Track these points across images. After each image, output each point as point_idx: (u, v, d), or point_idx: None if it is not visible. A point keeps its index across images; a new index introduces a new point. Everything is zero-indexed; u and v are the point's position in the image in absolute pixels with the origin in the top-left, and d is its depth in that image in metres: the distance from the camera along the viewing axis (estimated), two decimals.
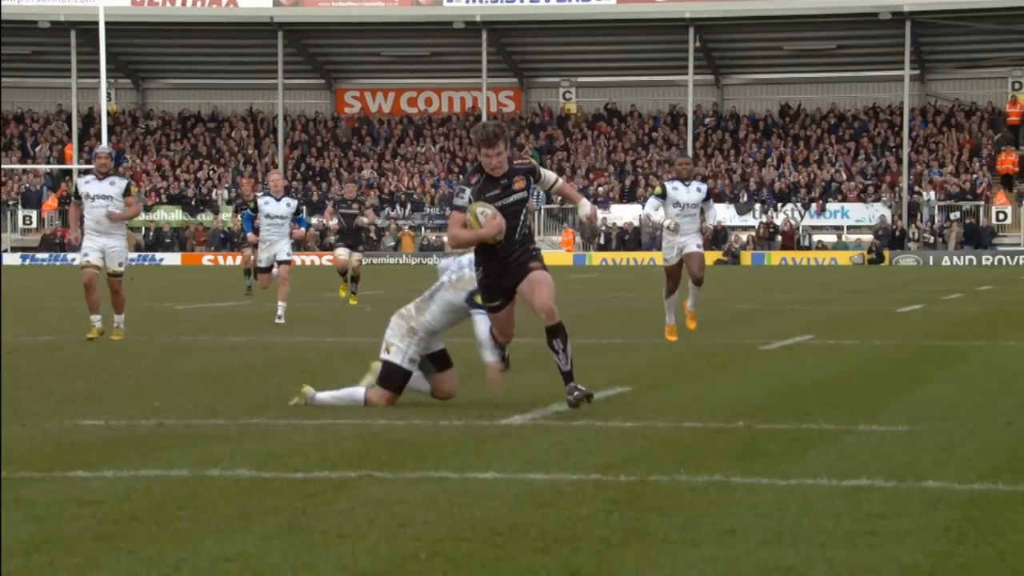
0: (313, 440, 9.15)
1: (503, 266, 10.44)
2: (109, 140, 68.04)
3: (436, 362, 10.96)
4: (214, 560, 5.76)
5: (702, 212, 18.27)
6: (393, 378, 10.83)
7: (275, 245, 22.26)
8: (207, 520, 6.59)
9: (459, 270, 10.88)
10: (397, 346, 10.82)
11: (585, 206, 10.82)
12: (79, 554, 5.88)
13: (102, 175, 18.14)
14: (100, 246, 17.97)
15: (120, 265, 18.14)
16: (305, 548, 6.01)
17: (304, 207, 23.35)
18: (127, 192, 18.18)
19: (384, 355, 10.88)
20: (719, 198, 65.93)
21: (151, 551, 5.93)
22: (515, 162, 10.55)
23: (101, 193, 17.99)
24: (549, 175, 10.79)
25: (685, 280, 18.12)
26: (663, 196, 18.02)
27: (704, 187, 18.37)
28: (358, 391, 10.88)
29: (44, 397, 11.61)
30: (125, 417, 10.35)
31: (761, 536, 6.26)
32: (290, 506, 6.92)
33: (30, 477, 7.72)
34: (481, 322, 10.79)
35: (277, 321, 21.10)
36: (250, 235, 23.69)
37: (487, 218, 10.28)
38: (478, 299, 10.71)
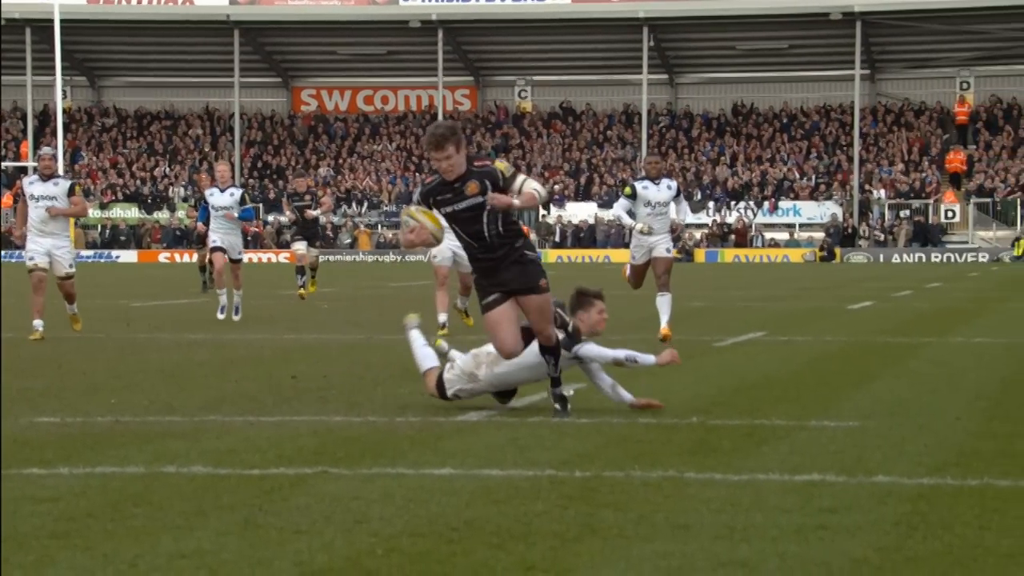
0: (270, 437, 9.12)
1: (492, 265, 10.08)
2: (65, 137, 67.62)
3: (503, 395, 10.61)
4: (170, 557, 5.73)
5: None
6: (441, 391, 10.60)
7: (227, 237, 22.04)
8: (163, 517, 6.56)
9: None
10: (450, 378, 10.50)
11: (510, 198, 9.96)
12: (34, 551, 5.84)
13: (46, 176, 17.87)
14: (46, 248, 17.74)
15: (71, 266, 18.00)
16: (261, 544, 5.99)
17: (247, 196, 22.76)
18: (71, 192, 17.91)
19: (445, 372, 10.56)
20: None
21: (107, 548, 5.90)
22: (476, 164, 9.98)
23: (44, 194, 17.75)
24: (518, 181, 10.03)
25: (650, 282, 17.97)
26: (633, 196, 17.80)
27: (674, 184, 18.07)
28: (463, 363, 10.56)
29: None
30: (81, 414, 10.29)
31: (714, 531, 6.29)
32: (246, 503, 6.90)
33: None
34: (595, 350, 10.27)
35: (235, 317, 21.07)
36: (199, 225, 23.54)
37: (406, 228, 9.95)
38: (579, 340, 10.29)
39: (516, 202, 9.86)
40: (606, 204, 71.70)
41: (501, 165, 10.07)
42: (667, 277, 17.62)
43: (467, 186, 9.91)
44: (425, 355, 10.80)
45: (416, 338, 10.91)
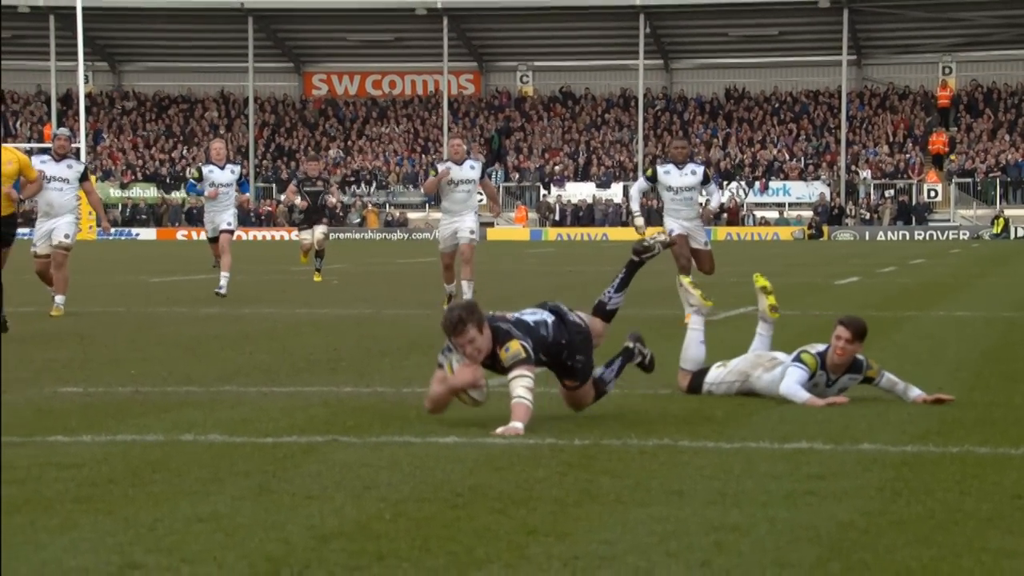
0: (283, 407, 9.11)
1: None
2: (87, 120, 67.49)
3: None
4: (188, 521, 5.73)
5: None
6: (692, 388, 9.78)
7: (220, 215, 21.02)
8: (181, 483, 6.56)
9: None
10: (718, 373, 9.76)
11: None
12: (58, 515, 5.84)
13: (59, 156, 17.14)
14: (48, 230, 16.89)
15: (67, 237, 16.95)
16: (275, 509, 5.99)
17: (245, 172, 22.41)
18: (84, 177, 17.21)
19: (714, 367, 9.81)
20: None
21: (127, 512, 5.90)
22: (497, 348, 8.23)
23: (57, 175, 17.00)
24: (509, 376, 8.23)
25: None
26: (653, 179, 16.66)
27: (700, 169, 16.83)
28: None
29: (25, 365, 11.53)
30: (103, 385, 10.29)
31: (707, 496, 6.28)
32: (260, 469, 6.90)
33: (11, 442, 7.66)
34: (792, 378, 9.34)
35: (218, 291, 19.87)
36: (211, 191, 21.09)
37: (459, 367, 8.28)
38: (804, 358, 9.39)
39: (519, 426, 7.97)
40: (604, 184, 71.62)
41: (504, 354, 8.23)
42: (712, 271, 16.66)
43: (500, 358, 8.28)
44: (693, 356, 9.85)
45: (696, 327, 9.98)
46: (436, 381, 8.36)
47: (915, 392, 9.44)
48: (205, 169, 21.44)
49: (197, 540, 5.39)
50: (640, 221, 16.62)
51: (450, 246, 17.97)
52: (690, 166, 16.79)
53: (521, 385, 8.14)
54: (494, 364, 8.32)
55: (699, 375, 9.85)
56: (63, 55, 71.16)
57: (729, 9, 72.00)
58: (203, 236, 21.13)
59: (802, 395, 9.28)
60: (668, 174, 16.67)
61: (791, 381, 9.34)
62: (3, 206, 14.19)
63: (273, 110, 78.93)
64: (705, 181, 16.84)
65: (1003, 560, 5.14)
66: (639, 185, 16.96)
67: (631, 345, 9.19)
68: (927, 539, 5.47)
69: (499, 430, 7.94)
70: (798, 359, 9.44)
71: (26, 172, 14.53)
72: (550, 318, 8.61)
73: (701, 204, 17.17)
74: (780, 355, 9.74)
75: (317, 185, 26.08)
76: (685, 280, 10.45)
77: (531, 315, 8.61)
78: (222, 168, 21.32)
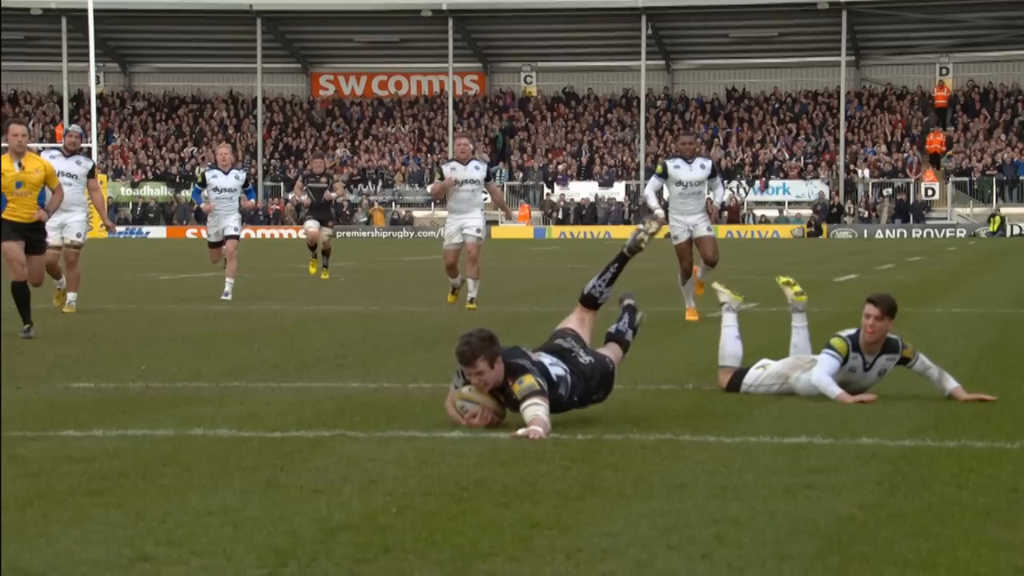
0: (290, 402, 9.12)
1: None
2: (98, 120, 67.50)
3: None
4: (197, 514, 5.73)
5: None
6: (732, 386, 9.64)
7: (224, 219, 20.41)
8: (190, 476, 6.56)
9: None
10: (756, 374, 9.64)
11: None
12: (71, 508, 5.85)
13: (69, 152, 17.18)
14: (58, 223, 16.75)
15: (78, 236, 17.02)
16: (282, 502, 5.99)
17: (251, 178, 21.54)
18: (91, 175, 17.16)
19: (754, 367, 9.70)
20: None
21: (138, 505, 5.90)
22: (509, 382, 7.98)
23: (65, 170, 16.91)
24: (522, 405, 7.91)
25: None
26: (664, 175, 16.56)
27: (708, 163, 16.69)
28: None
29: (37, 361, 11.54)
30: (114, 380, 10.30)
31: (708, 490, 6.28)
32: (268, 463, 6.90)
33: (25, 436, 7.67)
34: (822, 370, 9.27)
35: (223, 298, 19.41)
36: (207, 204, 20.61)
37: (466, 414, 8.09)
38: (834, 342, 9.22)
39: (519, 432, 7.75)
40: (606, 183, 71.60)
41: (517, 387, 7.96)
42: (716, 258, 16.41)
43: (511, 391, 8.02)
44: (731, 352, 9.77)
45: (730, 324, 9.94)
46: (449, 404, 8.16)
47: (952, 384, 9.28)
48: (209, 174, 20.86)
49: (206, 533, 5.39)
50: (660, 212, 16.18)
51: (454, 245, 17.84)
52: (699, 160, 16.67)
53: (536, 406, 7.80)
54: (502, 396, 8.01)
55: (738, 375, 9.70)
56: (75, 56, 71.15)
57: (729, 11, 71.97)
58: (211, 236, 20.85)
59: (833, 390, 9.17)
60: (678, 168, 16.53)
61: (822, 372, 9.24)
62: (32, 212, 14.12)
63: (281, 110, 78.95)
64: (712, 175, 16.71)
65: (1000, 552, 5.14)
66: (653, 183, 16.71)
67: (631, 302, 9.18)
68: (925, 532, 5.47)
69: (519, 432, 7.68)
70: (828, 346, 9.33)
71: (50, 181, 14.48)
72: (569, 375, 8.23)
73: (709, 199, 16.91)
74: (819, 357, 9.57)
75: (321, 182, 25.87)
76: (717, 285, 10.43)
77: (551, 364, 8.23)
78: (226, 173, 20.71)
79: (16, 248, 13.91)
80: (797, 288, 10.37)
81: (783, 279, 10.52)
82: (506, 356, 8.05)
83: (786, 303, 10.50)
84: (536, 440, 7.57)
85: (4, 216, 13.97)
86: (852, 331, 9.42)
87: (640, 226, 9.28)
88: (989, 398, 9.22)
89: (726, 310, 10.15)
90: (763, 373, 9.63)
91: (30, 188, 14.09)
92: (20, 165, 14.10)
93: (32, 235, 14.12)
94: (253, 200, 21.20)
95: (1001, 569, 4.89)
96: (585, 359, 8.44)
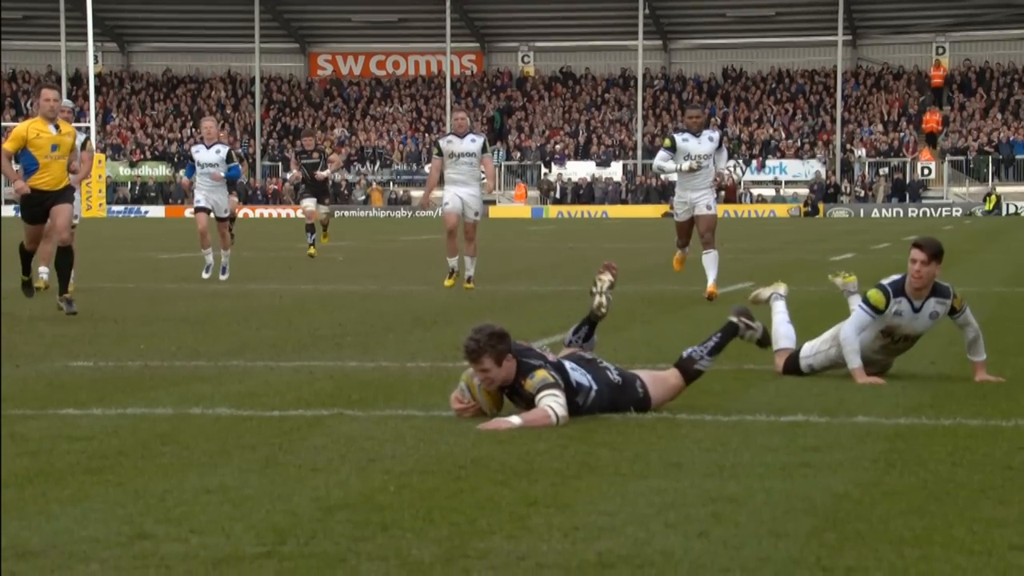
0: (289, 380, 9.12)
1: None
2: (96, 100, 67.38)
3: None
4: (196, 492, 5.74)
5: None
6: (789, 369, 9.48)
7: (211, 194, 20.05)
8: (189, 455, 6.57)
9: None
10: (813, 351, 9.45)
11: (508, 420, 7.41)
12: (70, 486, 5.85)
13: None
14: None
15: (76, 217, 16.83)
16: (281, 481, 6.00)
17: (234, 154, 20.41)
18: (83, 146, 16.55)
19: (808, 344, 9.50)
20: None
21: (137, 484, 5.91)
22: (520, 380, 7.56)
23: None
24: (537, 397, 7.52)
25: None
26: (672, 148, 16.29)
27: (716, 135, 16.48)
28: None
29: (36, 340, 11.54)
30: (112, 359, 10.30)
31: (705, 468, 6.29)
32: (267, 442, 6.90)
33: (24, 415, 7.67)
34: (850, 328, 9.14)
35: (221, 277, 19.34)
36: (184, 179, 20.32)
37: (463, 398, 7.76)
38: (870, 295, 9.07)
39: (516, 421, 7.36)
40: (603, 163, 71.52)
41: (529, 382, 7.58)
42: (711, 235, 16.22)
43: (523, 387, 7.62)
44: (785, 333, 9.61)
45: (780, 311, 9.81)
46: (454, 400, 7.77)
47: (980, 357, 9.16)
48: (193, 149, 20.54)
49: (205, 511, 5.39)
50: (687, 163, 16.04)
51: (455, 208, 17.80)
52: (706, 133, 16.47)
53: (550, 397, 7.42)
54: (513, 394, 7.62)
55: (793, 358, 9.50)
56: (73, 35, 70.93)
57: None
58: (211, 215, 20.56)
59: (854, 359, 9.01)
60: (686, 141, 16.32)
61: (850, 329, 9.08)
62: (60, 179, 14.26)
63: (279, 90, 78.83)
64: (719, 147, 16.51)
65: (994, 529, 5.14)
66: (662, 155, 16.48)
67: (734, 319, 8.40)
68: (920, 509, 5.48)
69: (482, 425, 7.30)
70: (863, 299, 9.19)
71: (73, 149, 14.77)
72: (593, 389, 7.71)
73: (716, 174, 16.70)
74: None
75: (313, 157, 25.58)
76: (757, 293, 10.37)
77: (571, 368, 7.74)
78: (208, 148, 20.28)
79: (35, 232, 14.30)
80: (843, 275, 10.34)
81: (832, 277, 10.41)
82: (519, 355, 7.59)
83: (836, 290, 10.42)
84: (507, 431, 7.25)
85: (32, 184, 14.03)
86: (897, 276, 9.20)
87: (592, 288, 8.32)
88: (995, 379, 9.17)
89: (776, 299, 10.03)
90: (817, 341, 9.47)
91: (64, 152, 14.26)
92: (57, 128, 14.26)
93: (60, 195, 14.21)
94: (232, 178, 20.41)
95: (996, 546, 4.90)
96: (615, 376, 7.87)
